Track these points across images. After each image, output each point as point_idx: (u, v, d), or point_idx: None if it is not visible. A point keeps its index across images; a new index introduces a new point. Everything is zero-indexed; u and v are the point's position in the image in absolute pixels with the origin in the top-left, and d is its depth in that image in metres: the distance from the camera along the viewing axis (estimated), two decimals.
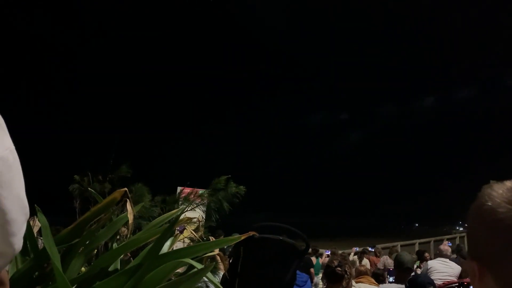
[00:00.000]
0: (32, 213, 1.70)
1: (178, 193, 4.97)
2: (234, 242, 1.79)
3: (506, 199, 0.72)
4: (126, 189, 1.72)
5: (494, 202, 0.73)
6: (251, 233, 1.81)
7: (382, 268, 8.92)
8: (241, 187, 3.44)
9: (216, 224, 3.46)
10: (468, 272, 0.81)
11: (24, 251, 1.64)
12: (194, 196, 3.45)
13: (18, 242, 0.85)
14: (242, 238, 1.71)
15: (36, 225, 1.81)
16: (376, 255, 11.53)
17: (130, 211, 1.65)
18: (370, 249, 12.44)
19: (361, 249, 12.21)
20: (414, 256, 9.16)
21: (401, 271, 4.52)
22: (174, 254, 1.57)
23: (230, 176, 3.53)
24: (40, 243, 1.77)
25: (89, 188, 2.36)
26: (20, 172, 0.85)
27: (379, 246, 14.55)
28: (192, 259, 1.57)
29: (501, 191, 0.74)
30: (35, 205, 1.54)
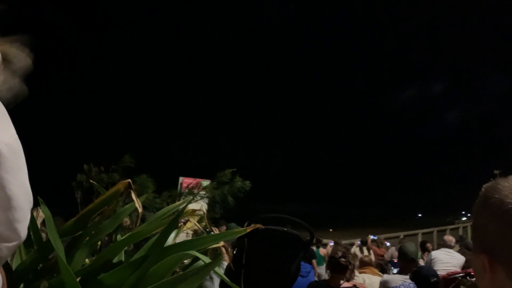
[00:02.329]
0: (35, 204, 1.69)
1: (180, 183, 4.97)
2: (239, 234, 1.77)
3: None
4: (129, 180, 1.71)
5: (502, 194, 0.73)
6: (257, 225, 1.79)
7: (389, 259, 8.96)
8: (247, 182, 3.42)
9: (220, 215, 3.45)
10: (474, 267, 0.80)
11: (28, 242, 1.63)
12: (198, 188, 3.44)
13: (23, 229, 0.88)
14: (248, 230, 1.69)
15: (40, 217, 1.79)
16: (378, 246, 11.53)
17: (137, 202, 1.64)
18: (372, 237, 12.41)
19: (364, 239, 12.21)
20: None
21: (405, 262, 4.52)
22: (180, 246, 1.55)
23: (235, 169, 3.51)
24: (44, 235, 1.76)
25: (90, 181, 2.35)
26: (24, 160, 0.88)
27: (382, 236, 14.59)
28: (196, 251, 1.55)
29: (507, 184, 0.74)
30: (38, 196, 1.54)
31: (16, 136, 0.85)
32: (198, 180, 3.83)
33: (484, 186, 0.79)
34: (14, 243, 0.88)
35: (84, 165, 3.05)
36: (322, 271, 9.74)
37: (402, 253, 4.64)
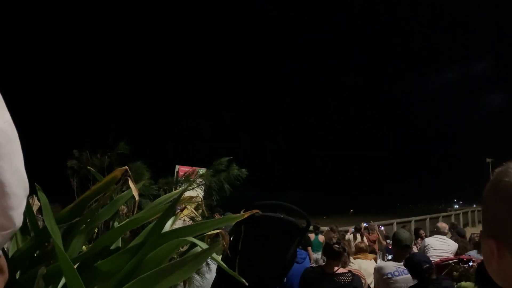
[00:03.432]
0: (32, 191, 1.68)
1: (176, 172, 4.95)
2: (236, 220, 1.77)
3: None
4: (126, 167, 1.70)
5: None
6: (254, 211, 1.79)
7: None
8: (243, 170, 3.42)
9: (217, 202, 3.45)
10: (483, 251, 0.79)
11: (24, 229, 1.63)
12: (194, 175, 3.43)
13: (18, 217, 0.86)
14: (245, 216, 1.70)
15: (36, 204, 1.78)
16: (369, 232, 11.86)
17: (134, 190, 1.63)
18: (365, 224, 12.72)
19: (358, 226, 12.45)
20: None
21: (399, 248, 4.56)
22: (177, 233, 1.55)
23: (232, 158, 3.50)
24: (40, 222, 1.76)
25: (88, 167, 2.33)
26: (19, 146, 0.85)
27: (375, 223, 14.75)
28: (194, 237, 1.55)
29: None
30: (35, 183, 1.52)
31: (11, 121, 0.83)
32: (194, 168, 3.82)
33: (496, 170, 0.77)
34: (8, 231, 0.86)
35: (74, 150, 3.01)
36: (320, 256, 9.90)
37: (396, 239, 4.69)
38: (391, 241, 5.44)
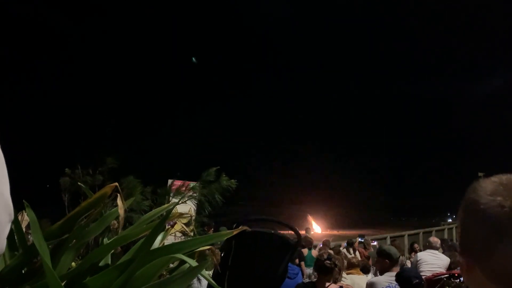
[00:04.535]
0: (21, 207, 1.68)
1: (169, 185, 4.95)
2: (226, 237, 1.78)
3: (489, 190, 0.73)
4: (116, 183, 1.70)
5: (477, 194, 0.74)
6: (244, 228, 1.80)
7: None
8: (232, 180, 3.43)
9: (208, 217, 3.45)
10: (460, 266, 0.81)
11: (12, 246, 1.62)
12: (185, 189, 3.43)
13: (1, 243, 0.82)
14: (235, 233, 1.70)
15: (25, 220, 1.77)
16: (364, 247, 11.67)
17: (120, 206, 1.63)
18: (360, 239, 12.59)
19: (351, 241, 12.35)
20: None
21: (390, 263, 4.56)
22: (166, 249, 1.55)
23: (219, 167, 3.51)
24: (29, 238, 1.75)
25: (78, 183, 2.33)
26: (5, 171, 0.82)
27: (369, 238, 14.72)
28: (183, 253, 1.56)
29: (484, 184, 0.75)
30: (24, 200, 1.52)
31: None
32: (186, 182, 3.83)
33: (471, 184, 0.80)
34: None
35: (66, 168, 3.01)
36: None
37: (386, 254, 4.69)
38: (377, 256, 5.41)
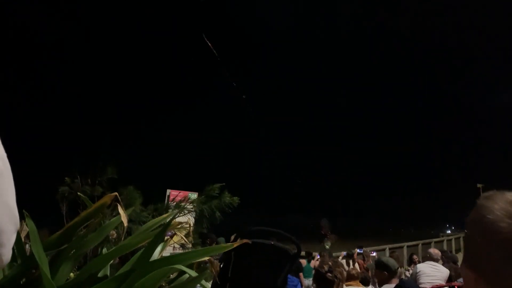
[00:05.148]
0: (20, 217, 1.67)
1: (168, 196, 4.94)
2: (226, 250, 1.77)
3: (508, 213, 0.73)
4: (116, 193, 1.70)
5: (495, 215, 0.74)
6: (244, 241, 1.79)
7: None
8: (235, 198, 3.41)
9: (207, 229, 3.43)
10: (463, 278, 0.82)
11: (11, 256, 1.61)
12: (185, 201, 3.42)
13: (6, 254, 0.82)
14: (235, 246, 1.70)
15: (24, 230, 1.77)
16: (363, 259, 11.61)
17: (123, 216, 1.62)
18: (359, 250, 12.49)
19: (350, 252, 12.27)
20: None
21: (388, 274, 4.54)
22: (166, 261, 1.55)
23: (224, 184, 3.50)
24: (28, 248, 1.74)
25: (78, 193, 2.33)
26: (11, 181, 0.82)
27: (367, 249, 14.63)
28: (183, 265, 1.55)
29: (503, 205, 0.75)
30: (24, 210, 1.51)
31: (4, 155, 0.80)
32: (185, 192, 3.81)
33: (479, 202, 0.80)
34: None
35: (66, 177, 3.00)
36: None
37: (384, 266, 4.67)
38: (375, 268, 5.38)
